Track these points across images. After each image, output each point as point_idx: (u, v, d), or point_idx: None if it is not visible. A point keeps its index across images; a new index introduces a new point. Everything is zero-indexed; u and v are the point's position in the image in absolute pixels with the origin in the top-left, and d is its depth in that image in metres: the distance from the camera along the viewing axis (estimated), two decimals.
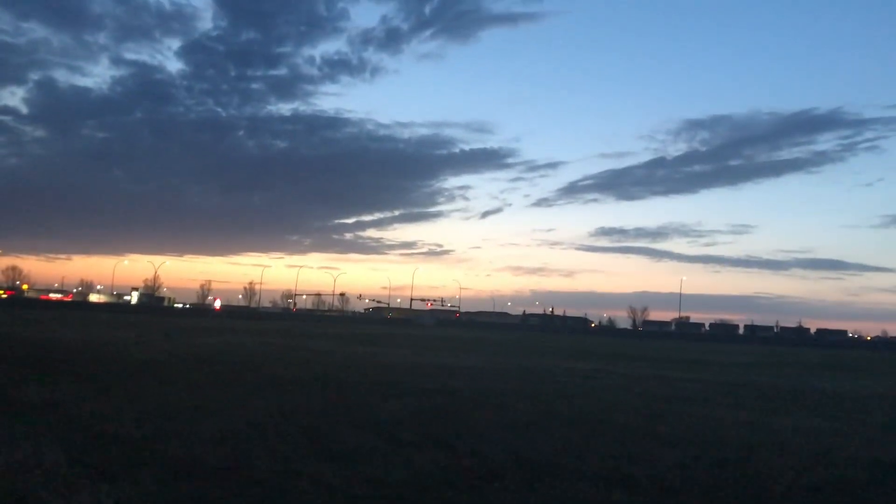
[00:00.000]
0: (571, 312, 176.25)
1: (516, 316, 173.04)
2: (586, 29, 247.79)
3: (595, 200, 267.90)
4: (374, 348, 32.69)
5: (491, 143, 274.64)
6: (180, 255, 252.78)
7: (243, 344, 30.77)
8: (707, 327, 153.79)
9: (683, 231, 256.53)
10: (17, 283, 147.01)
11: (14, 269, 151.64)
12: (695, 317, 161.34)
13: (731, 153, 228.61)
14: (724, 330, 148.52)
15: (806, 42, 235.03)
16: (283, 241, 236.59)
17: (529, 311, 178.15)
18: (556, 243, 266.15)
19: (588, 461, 9.43)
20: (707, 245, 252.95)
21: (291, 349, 28.78)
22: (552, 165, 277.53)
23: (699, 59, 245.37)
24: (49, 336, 29.37)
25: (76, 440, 9.41)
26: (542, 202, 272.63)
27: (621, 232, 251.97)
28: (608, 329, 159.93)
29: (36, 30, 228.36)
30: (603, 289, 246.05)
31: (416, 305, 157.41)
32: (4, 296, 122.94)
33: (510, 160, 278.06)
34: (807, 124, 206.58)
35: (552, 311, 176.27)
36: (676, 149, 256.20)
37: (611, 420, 13.10)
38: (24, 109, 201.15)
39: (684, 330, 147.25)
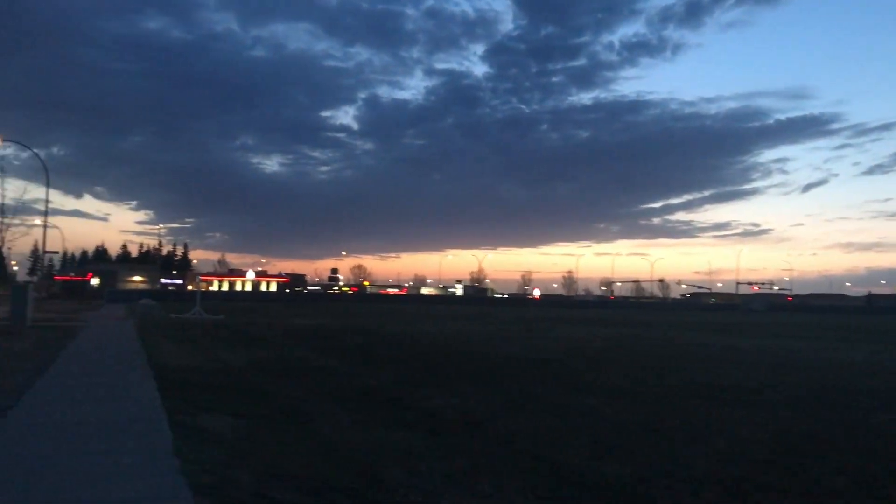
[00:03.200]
0: None
1: (856, 298, 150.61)
2: None
3: None
4: (774, 341, 26.98)
5: (810, 109, 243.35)
6: (494, 248, 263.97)
7: (612, 336, 27.59)
8: None
9: None
10: (361, 280, 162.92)
11: (360, 267, 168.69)
12: None
13: None
14: None
15: None
16: (590, 230, 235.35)
17: (871, 291, 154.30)
18: (895, 215, 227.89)
19: None
20: None
21: (667, 341, 24.97)
22: (886, 127, 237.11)
23: None
24: (413, 331, 28.94)
25: (536, 477, 6.65)
26: (875, 169, 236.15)
27: None
28: None
29: (361, 53, 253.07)
30: None
31: (742, 290, 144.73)
32: (350, 292, 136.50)
33: (834, 126, 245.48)
34: None
35: None
36: None
37: None
38: (355, 126, 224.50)
39: None
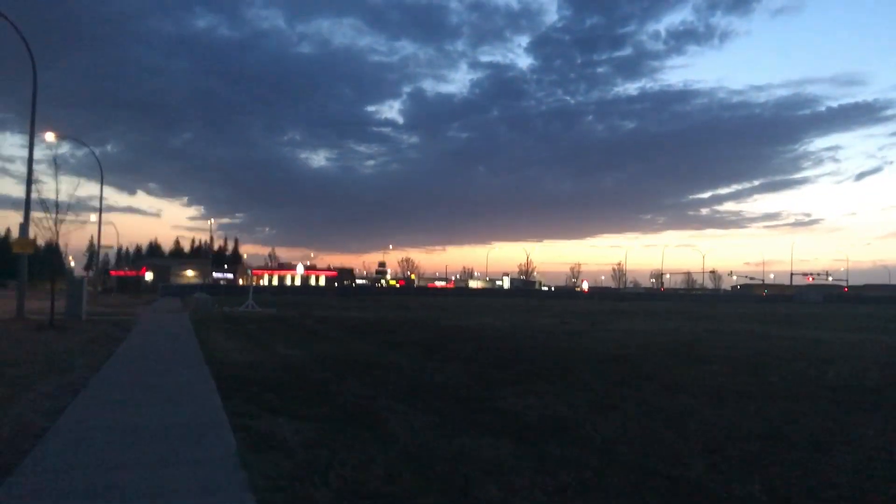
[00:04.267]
0: None
1: None
2: None
3: None
4: (859, 335, 24.56)
5: (864, 95, 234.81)
6: (539, 241, 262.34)
7: (681, 329, 26.18)
8: None
9: None
10: (408, 273, 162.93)
11: (408, 260, 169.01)
12: None
13: None
14: None
15: None
16: (636, 221, 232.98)
17: None
18: None
19: None
20: None
21: (746, 335, 23.61)
22: None
23: None
24: (473, 324, 27.99)
25: (654, 496, 5.70)
26: None
27: None
28: None
29: (406, 47, 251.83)
30: None
31: (796, 280, 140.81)
32: (398, 285, 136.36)
33: (889, 112, 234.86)
34: None
35: None
36: None
37: None
38: (400, 120, 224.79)
39: None
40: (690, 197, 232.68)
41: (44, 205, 22.63)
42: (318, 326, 24.96)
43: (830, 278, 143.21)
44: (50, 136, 34.93)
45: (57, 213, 22.40)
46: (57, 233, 22.60)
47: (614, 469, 6.49)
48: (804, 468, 6.52)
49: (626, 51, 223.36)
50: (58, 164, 23.22)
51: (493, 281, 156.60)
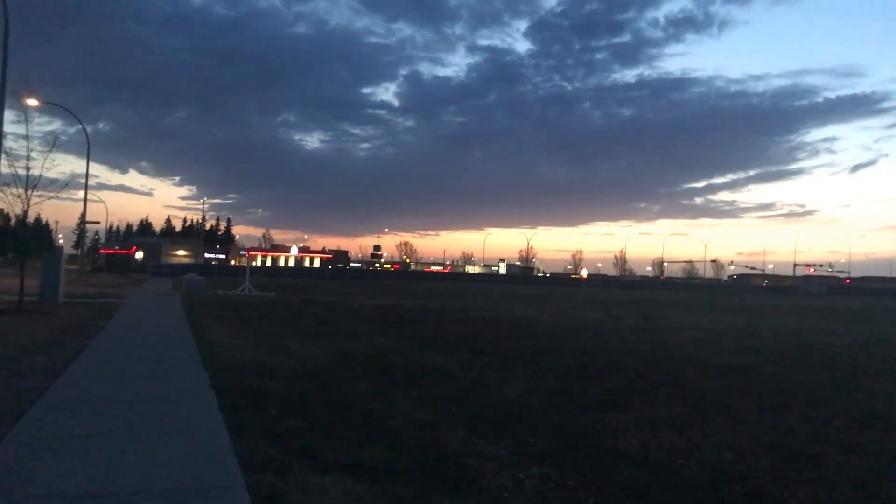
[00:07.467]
0: None
1: None
2: None
3: None
4: None
5: (861, 87, 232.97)
6: (533, 227, 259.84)
7: (751, 327, 23.08)
8: None
9: None
10: (404, 257, 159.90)
11: (406, 244, 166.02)
12: None
13: None
14: None
15: None
16: (630, 209, 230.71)
17: None
18: None
19: None
20: None
21: (840, 335, 20.71)
22: None
23: None
24: (510, 316, 24.76)
25: None
26: None
27: None
28: None
29: (403, 29, 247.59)
30: None
31: (800, 271, 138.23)
32: (392, 269, 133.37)
33: (886, 104, 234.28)
34: None
35: None
36: None
37: None
38: (395, 103, 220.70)
39: None
40: (685, 186, 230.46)
41: (18, 179, 19.43)
42: (329, 315, 21.91)
43: (830, 269, 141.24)
44: (32, 102, 31.55)
45: (27, 183, 19.22)
46: (28, 204, 19.40)
47: None
48: None
49: (625, 37, 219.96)
50: (28, 136, 19.94)
51: (489, 266, 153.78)
